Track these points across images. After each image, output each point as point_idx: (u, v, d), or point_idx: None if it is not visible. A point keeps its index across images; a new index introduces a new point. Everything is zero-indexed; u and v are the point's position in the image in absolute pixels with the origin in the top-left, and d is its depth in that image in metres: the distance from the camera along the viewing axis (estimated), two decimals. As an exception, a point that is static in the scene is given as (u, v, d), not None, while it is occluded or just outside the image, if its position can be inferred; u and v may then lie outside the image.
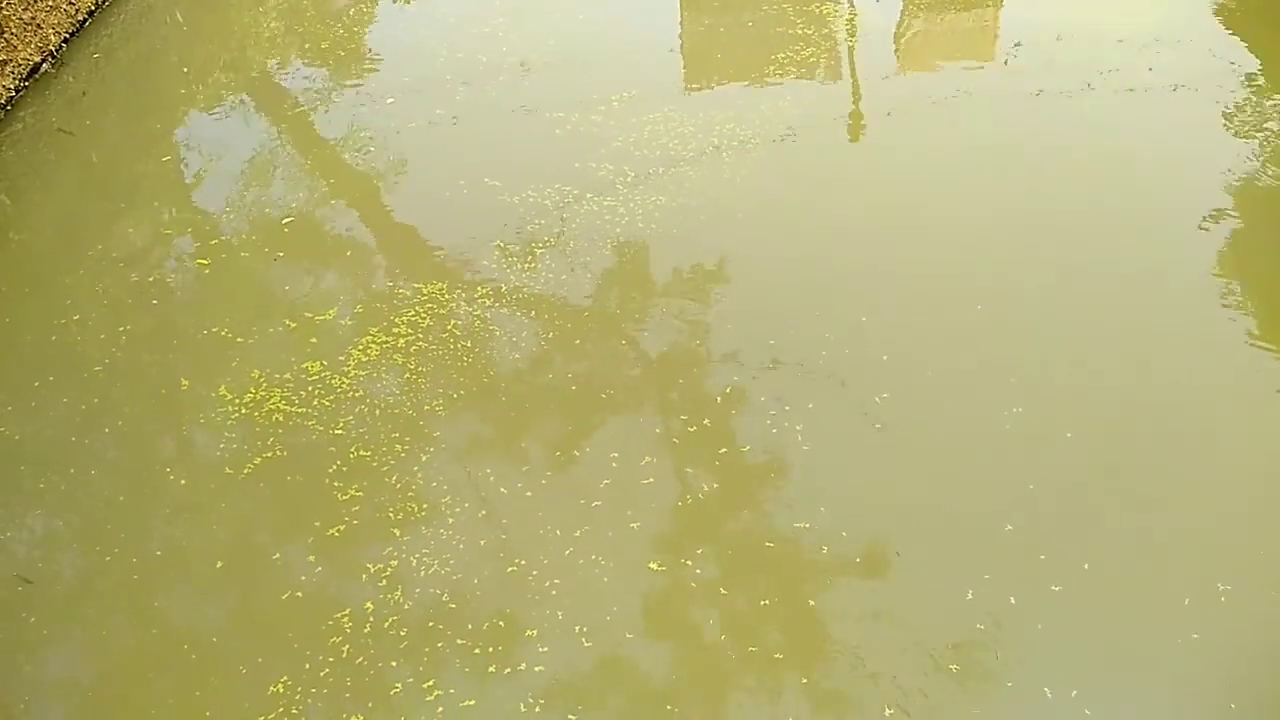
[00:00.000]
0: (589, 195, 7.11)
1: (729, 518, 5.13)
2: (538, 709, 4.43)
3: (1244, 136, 7.37)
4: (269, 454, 5.49)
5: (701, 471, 5.32)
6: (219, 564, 5.05)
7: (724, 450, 5.40)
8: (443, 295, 6.42)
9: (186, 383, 5.98)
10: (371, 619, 4.77)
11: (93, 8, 9.29)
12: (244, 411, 5.72)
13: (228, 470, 5.43)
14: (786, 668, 4.51)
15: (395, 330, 6.17)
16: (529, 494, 5.26)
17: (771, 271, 6.47)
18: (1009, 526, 4.92)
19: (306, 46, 9.31)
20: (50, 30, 8.62)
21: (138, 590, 4.98)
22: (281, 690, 4.53)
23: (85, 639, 4.86)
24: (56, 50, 8.74)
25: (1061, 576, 4.71)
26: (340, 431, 5.58)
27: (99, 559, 5.11)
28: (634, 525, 5.06)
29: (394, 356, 6.00)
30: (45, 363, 6.13)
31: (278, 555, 5.06)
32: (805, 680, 4.44)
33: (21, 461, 5.60)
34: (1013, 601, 4.63)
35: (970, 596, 4.66)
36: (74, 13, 9.00)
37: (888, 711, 4.32)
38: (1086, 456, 5.21)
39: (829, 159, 7.57)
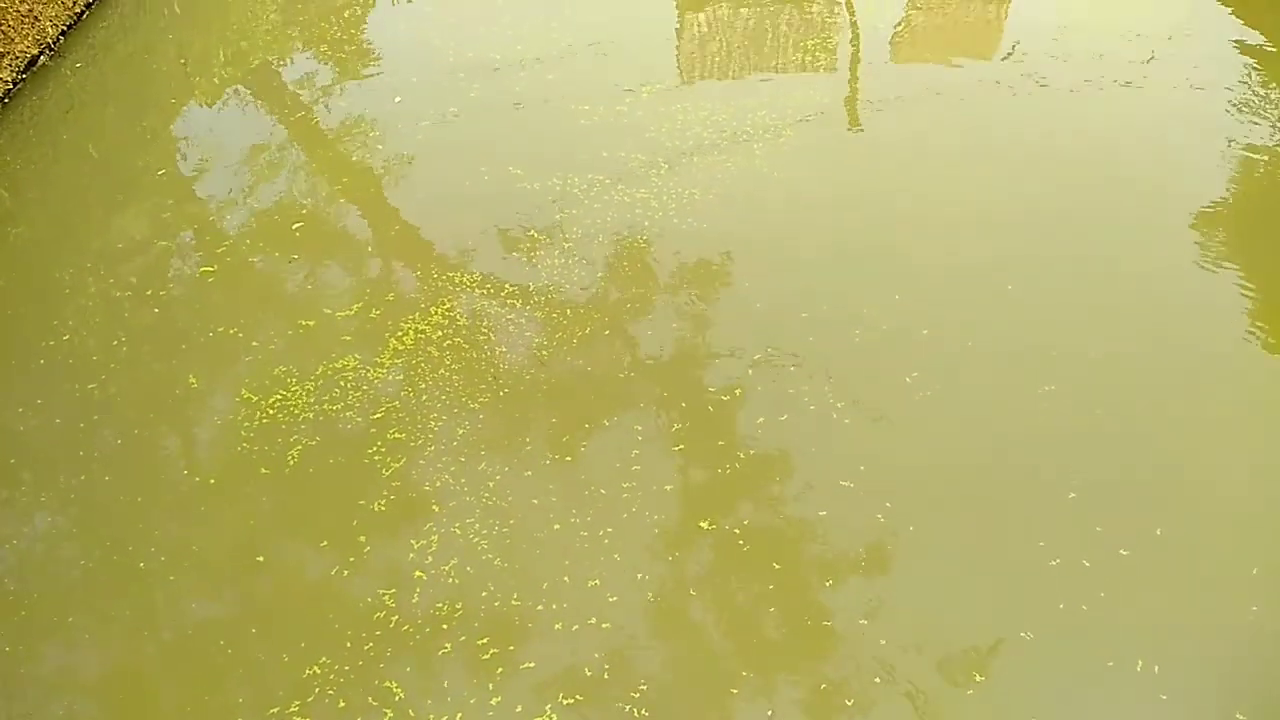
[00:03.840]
0: (620, 185, 7.25)
1: (769, 482, 5.28)
2: (605, 673, 4.44)
3: (1250, 130, 7.61)
4: (301, 445, 5.58)
5: (738, 439, 5.46)
6: (259, 558, 5.09)
7: (761, 419, 5.53)
8: (470, 286, 6.50)
9: (195, 381, 6.02)
10: (420, 589, 4.82)
11: (90, 0, 9.35)
12: (270, 414, 5.77)
13: (264, 470, 5.48)
14: (857, 631, 4.64)
15: (431, 320, 6.30)
16: (568, 458, 5.43)
17: (797, 258, 6.65)
18: (1071, 495, 5.07)
19: (307, 46, 9.40)
20: (47, 22, 8.72)
21: (169, 590, 5.01)
22: (318, 671, 4.52)
23: (114, 638, 4.86)
24: (54, 43, 8.84)
25: (1130, 542, 4.88)
26: (380, 416, 5.69)
27: (130, 561, 5.13)
28: (668, 488, 5.25)
29: (429, 349, 6.10)
30: (44, 373, 6.14)
31: (325, 543, 5.13)
32: (884, 641, 4.53)
33: (26, 466, 5.60)
34: (1086, 565, 4.78)
35: (1055, 563, 4.82)
36: (71, 5, 9.15)
37: (978, 678, 4.43)
38: (1127, 430, 5.43)
39: (860, 148, 7.78)
